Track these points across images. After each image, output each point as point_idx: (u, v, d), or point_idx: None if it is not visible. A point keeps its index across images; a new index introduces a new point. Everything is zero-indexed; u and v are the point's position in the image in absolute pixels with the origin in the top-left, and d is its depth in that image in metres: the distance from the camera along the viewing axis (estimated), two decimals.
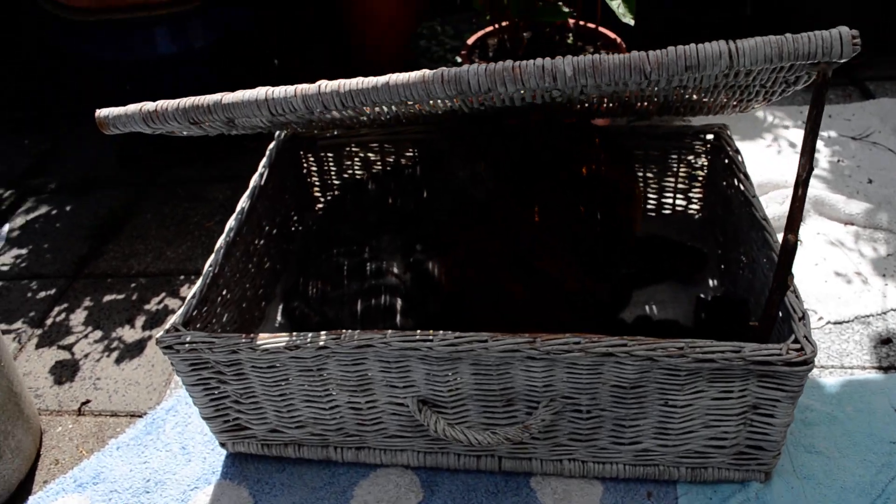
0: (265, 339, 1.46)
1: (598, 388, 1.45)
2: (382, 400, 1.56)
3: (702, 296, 1.88)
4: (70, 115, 3.64)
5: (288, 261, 2.16)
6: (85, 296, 2.44)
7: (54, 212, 2.94)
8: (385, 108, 1.44)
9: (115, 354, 2.19)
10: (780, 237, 1.46)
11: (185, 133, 1.52)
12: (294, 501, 1.65)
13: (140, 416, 1.99)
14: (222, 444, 1.74)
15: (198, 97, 1.27)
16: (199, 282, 1.64)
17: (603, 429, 1.53)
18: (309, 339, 1.45)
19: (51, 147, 3.46)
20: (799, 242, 1.31)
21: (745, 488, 1.57)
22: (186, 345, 1.48)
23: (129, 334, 2.25)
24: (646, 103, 1.76)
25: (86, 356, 2.19)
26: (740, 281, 1.84)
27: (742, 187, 1.79)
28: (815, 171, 2.55)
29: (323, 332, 1.45)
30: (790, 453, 1.64)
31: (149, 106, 1.29)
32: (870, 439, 1.66)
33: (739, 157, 1.89)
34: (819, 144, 2.68)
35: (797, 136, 2.74)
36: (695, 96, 1.63)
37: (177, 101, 1.27)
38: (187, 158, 3.12)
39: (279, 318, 1.99)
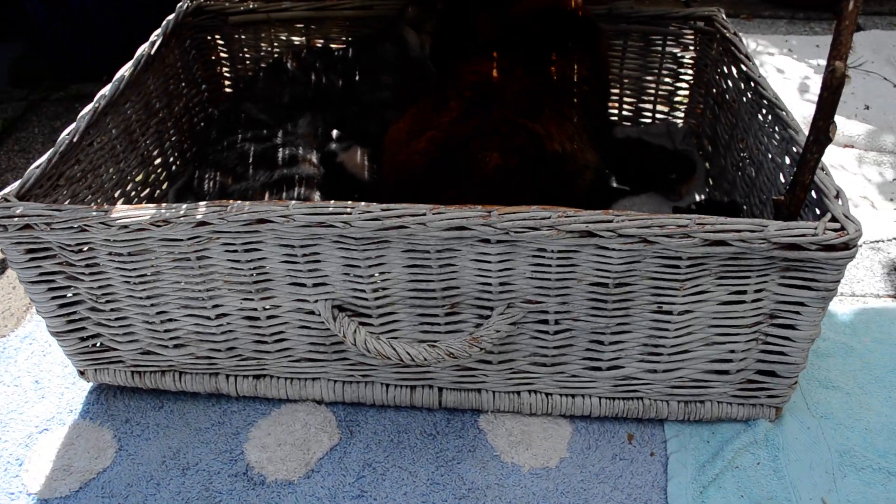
0: (124, 212, 1.08)
1: (571, 288, 1.11)
2: (286, 306, 1.18)
3: (680, 205, 1.54)
4: None
5: (187, 158, 1.75)
6: None
7: None
8: None
9: None
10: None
11: None
12: (170, 446, 1.26)
13: None
14: (81, 373, 1.35)
15: None
16: (48, 152, 1.24)
17: (574, 347, 1.19)
18: (183, 212, 1.06)
19: None
20: (847, 79, 0.96)
21: (752, 428, 1.25)
22: (16, 219, 1.08)
23: None
24: None
25: None
26: (738, 186, 1.50)
27: (745, 68, 1.46)
28: (808, 97, 2.25)
29: (202, 203, 1.07)
30: (802, 388, 1.33)
31: None
32: (894, 374, 1.34)
33: (738, 40, 1.55)
34: (808, 72, 2.39)
35: (783, 62, 2.45)
36: None
37: None
38: (91, 74, 2.69)
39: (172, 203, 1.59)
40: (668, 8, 1.70)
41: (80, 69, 2.67)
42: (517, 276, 1.11)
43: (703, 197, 1.67)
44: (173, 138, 1.69)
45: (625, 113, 1.87)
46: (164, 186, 1.65)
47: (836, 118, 1.30)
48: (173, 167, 1.69)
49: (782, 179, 1.28)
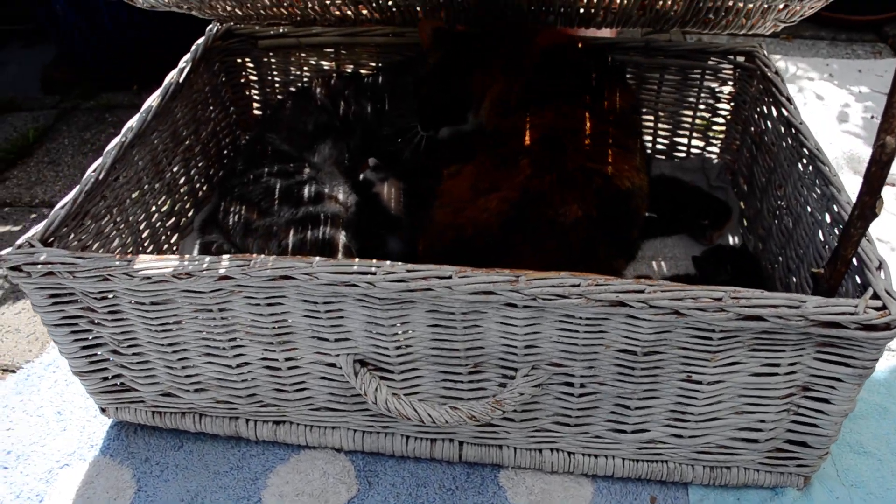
0: (147, 263, 1.06)
1: (599, 354, 1.08)
2: (307, 357, 1.17)
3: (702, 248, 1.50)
4: None
5: (214, 183, 1.74)
6: None
7: None
8: None
9: None
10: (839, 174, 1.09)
11: None
12: (189, 489, 1.26)
13: (13, 371, 1.58)
14: (102, 410, 1.34)
15: None
16: (73, 190, 1.23)
17: (600, 410, 1.16)
18: (206, 265, 1.05)
19: None
20: None
21: (779, 496, 1.22)
22: (40, 266, 1.07)
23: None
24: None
25: None
26: (774, 234, 1.45)
27: (785, 112, 1.41)
28: (847, 127, 2.18)
29: (226, 257, 1.05)
30: (832, 454, 1.28)
31: None
32: None
33: (780, 80, 1.50)
34: (849, 99, 2.32)
35: (824, 88, 2.38)
36: None
37: None
38: (122, 83, 2.68)
39: (194, 253, 1.57)
40: (707, 42, 1.65)
41: (111, 78, 2.67)
42: (543, 340, 1.08)
43: (737, 240, 1.63)
44: (200, 164, 1.67)
45: (659, 146, 1.83)
46: (190, 214, 1.64)
47: None
48: (199, 193, 1.68)
49: (821, 238, 1.24)
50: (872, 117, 2.24)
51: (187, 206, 1.63)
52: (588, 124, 1.29)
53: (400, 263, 1.03)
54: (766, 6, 1.38)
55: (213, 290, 1.08)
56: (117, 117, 2.50)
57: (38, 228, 1.15)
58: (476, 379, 1.15)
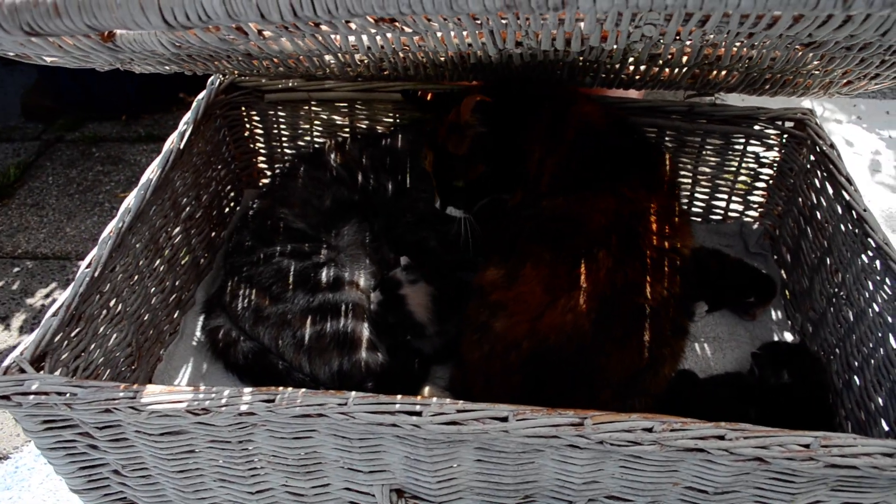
0: (156, 396, 0.93)
1: (666, 491, 0.96)
2: (337, 485, 1.04)
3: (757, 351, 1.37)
4: None
5: (216, 252, 1.60)
6: None
7: None
8: (366, 40, 0.91)
9: None
10: None
11: (47, 60, 0.97)
12: None
13: (1, 460, 1.45)
14: None
15: None
16: (66, 293, 1.09)
17: None
18: (225, 400, 0.92)
19: None
20: None
21: None
22: (32, 397, 0.94)
23: (2, 338, 1.69)
24: (728, 72, 1.26)
25: None
26: (829, 322, 1.34)
27: (846, 196, 1.30)
28: (881, 178, 2.08)
29: (247, 391, 0.92)
30: None
31: None
32: None
33: (836, 154, 1.39)
34: (880, 146, 2.22)
35: (853, 133, 2.28)
36: (814, 62, 1.14)
37: None
38: (109, 112, 2.53)
39: (198, 333, 1.44)
40: (755, 108, 1.53)
41: (97, 107, 2.51)
42: (605, 476, 0.97)
43: (780, 314, 1.52)
44: (202, 233, 1.54)
45: (695, 209, 1.71)
46: (192, 287, 1.50)
47: None
48: (201, 261, 1.54)
49: (893, 343, 1.14)
50: None
51: (189, 279, 1.49)
52: (650, 203, 1.18)
53: (448, 401, 0.91)
54: (828, 81, 1.28)
55: (233, 424, 0.95)
56: (104, 152, 2.34)
57: (27, 344, 1.02)
58: None
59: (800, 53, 1.12)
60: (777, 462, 0.88)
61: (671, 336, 1.16)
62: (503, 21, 0.81)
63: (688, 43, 1.05)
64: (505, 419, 0.89)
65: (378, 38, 0.91)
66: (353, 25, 0.82)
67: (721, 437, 0.88)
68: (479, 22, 0.82)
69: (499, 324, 1.13)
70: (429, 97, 1.43)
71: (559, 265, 1.12)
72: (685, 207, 1.70)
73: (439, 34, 0.88)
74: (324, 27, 0.80)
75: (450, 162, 1.30)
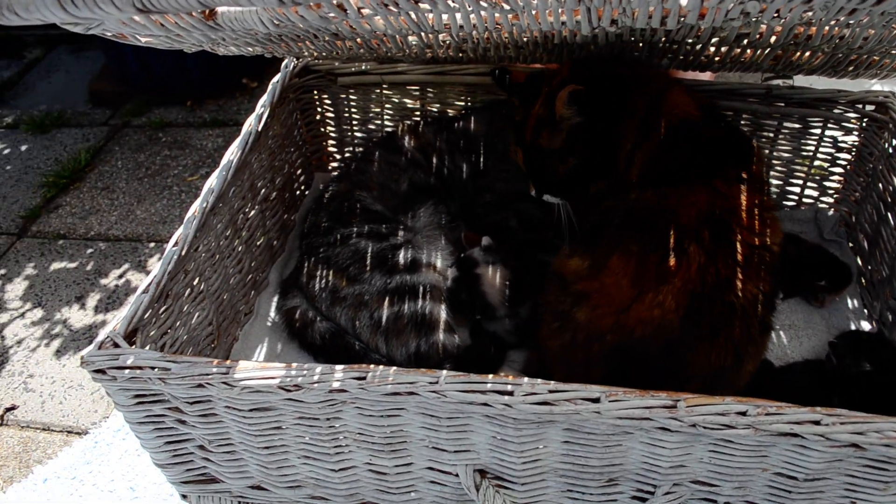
0: (249, 372, 0.94)
1: (754, 476, 0.95)
2: (420, 464, 1.05)
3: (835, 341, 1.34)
4: (44, 39, 3.07)
5: (288, 234, 1.62)
6: (28, 261, 1.91)
7: (6, 151, 2.39)
8: (459, 18, 0.90)
9: (56, 343, 1.67)
10: None
11: (142, 40, 0.98)
12: None
13: (79, 435, 1.49)
14: (184, 497, 1.23)
15: None
16: (155, 270, 1.12)
17: None
18: (317, 377, 0.93)
19: (15, 74, 2.90)
20: None
21: None
22: (127, 371, 0.96)
23: (78, 317, 1.73)
24: (813, 53, 1.23)
25: (19, 343, 1.68)
26: None
27: None
28: None
29: (339, 368, 0.93)
30: None
31: None
32: None
33: None
34: None
35: None
36: None
37: None
38: (175, 97, 2.56)
39: (272, 313, 1.46)
40: (834, 90, 1.49)
41: (163, 92, 2.55)
42: (692, 460, 0.96)
43: (856, 303, 1.49)
44: (276, 215, 1.55)
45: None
46: (266, 270, 1.52)
47: None
48: (274, 243, 1.56)
49: None
50: None
51: (263, 261, 1.51)
52: (743, 198, 1.16)
53: (540, 381, 0.91)
54: None
55: (323, 401, 0.96)
56: (171, 137, 2.38)
57: (119, 319, 1.04)
58: (608, 492, 1.03)
59: (895, 32, 1.09)
60: (874, 449, 0.86)
61: (758, 335, 1.14)
62: None
63: (782, 21, 1.02)
64: (597, 400, 0.89)
65: (473, 16, 0.91)
66: (452, 3, 0.82)
67: (817, 423, 0.87)
68: None
69: (581, 314, 1.11)
70: (521, 79, 1.38)
71: (648, 259, 1.10)
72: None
73: (535, 11, 0.87)
74: (424, 4, 0.79)
75: (541, 156, 1.28)
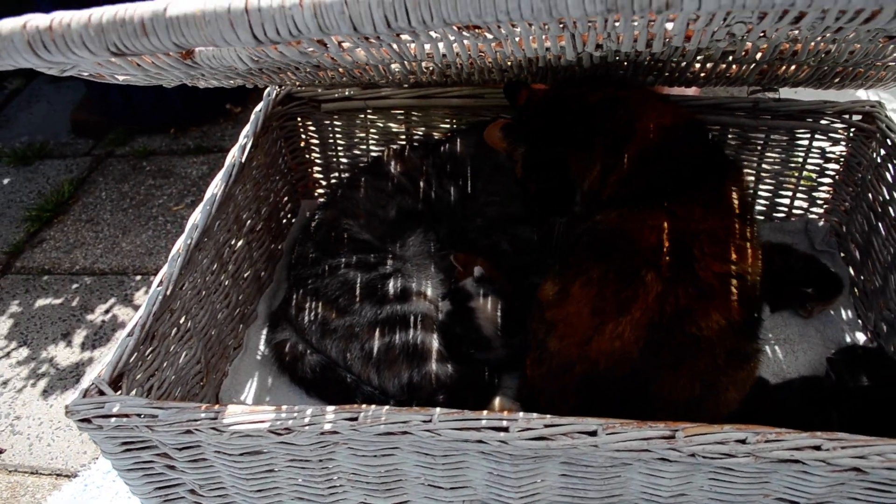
0: (238, 416, 0.92)
1: (755, 502, 0.93)
2: (416, 502, 1.04)
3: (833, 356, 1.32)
4: (25, 69, 3.03)
5: (276, 265, 1.60)
6: (12, 297, 1.88)
7: None
8: (441, 47, 0.89)
9: (42, 383, 1.64)
10: None
11: (119, 78, 0.97)
12: None
13: (69, 478, 1.46)
14: None
15: (125, 6, 0.71)
16: (140, 311, 1.09)
17: None
18: (308, 419, 0.91)
19: None
20: None
21: None
22: (113, 419, 0.93)
23: (65, 355, 1.70)
24: (799, 67, 1.23)
25: (4, 384, 1.64)
26: None
27: None
28: None
29: (331, 409, 0.91)
30: None
31: (37, 21, 0.72)
32: None
33: None
34: None
35: None
36: (894, 53, 1.10)
37: (88, 12, 0.70)
38: (158, 126, 2.54)
39: (261, 346, 1.43)
40: (821, 101, 1.49)
41: (145, 121, 2.53)
42: (693, 489, 0.94)
43: (849, 313, 1.48)
44: (263, 246, 1.53)
45: (759, 207, 1.67)
46: (254, 302, 1.50)
47: None
48: (262, 274, 1.54)
49: None
50: None
51: (251, 293, 1.48)
52: (710, 223, 1.11)
53: (535, 416, 0.89)
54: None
55: (315, 443, 0.94)
56: (155, 166, 2.36)
57: (105, 365, 1.02)
58: None
59: (881, 45, 1.08)
60: (876, 472, 0.85)
61: (726, 366, 1.07)
62: (590, 23, 0.79)
63: (768, 39, 1.01)
64: (594, 433, 0.87)
65: (455, 45, 0.89)
66: (434, 34, 0.81)
67: (818, 448, 0.85)
68: (563, 26, 0.79)
69: (553, 343, 1.09)
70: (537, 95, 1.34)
71: (607, 286, 1.07)
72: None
73: (518, 39, 0.85)
74: (405, 36, 0.78)
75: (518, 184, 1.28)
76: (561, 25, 0.78)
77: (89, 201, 2.22)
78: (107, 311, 1.81)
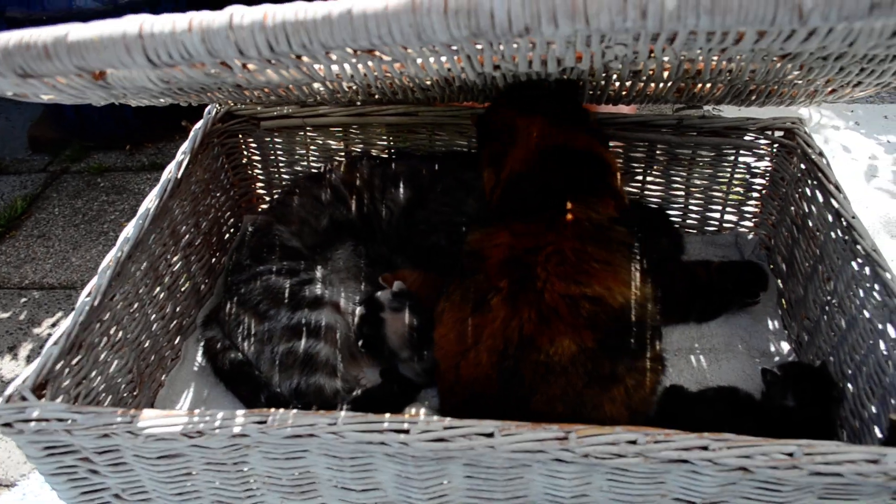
0: (152, 420, 0.95)
1: (655, 503, 0.97)
2: None
3: (772, 369, 1.35)
4: None
5: (217, 278, 1.63)
6: None
7: None
8: (348, 69, 0.93)
9: None
10: None
11: (44, 98, 1.00)
12: None
13: (7, 487, 1.47)
14: None
15: (30, 31, 0.75)
16: (66, 321, 1.12)
17: None
18: (218, 424, 0.94)
19: None
20: None
21: None
22: (33, 423, 0.96)
23: (10, 368, 1.72)
24: (713, 85, 1.28)
25: None
26: (822, 330, 1.35)
27: (835, 204, 1.31)
28: (879, 184, 2.09)
29: (240, 413, 0.95)
30: None
31: None
32: None
33: (825, 162, 1.40)
34: (878, 150, 2.23)
35: (850, 139, 2.29)
36: (794, 72, 1.16)
37: None
38: (113, 142, 2.57)
39: (199, 358, 1.46)
40: (743, 118, 1.55)
41: (102, 137, 2.56)
42: (594, 489, 0.98)
43: (776, 324, 1.53)
44: (202, 259, 1.56)
45: (690, 221, 1.72)
46: (192, 313, 1.53)
47: None
48: (201, 287, 1.57)
49: (883, 350, 1.14)
50: None
51: (189, 305, 1.51)
52: (563, 245, 1.10)
53: (436, 419, 0.93)
54: (812, 90, 1.29)
55: (227, 446, 0.97)
56: (109, 182, 2.39)
57: (28, 373, 1.04)
58: None
59: (778, 65, 1.13)
60: (761, 471, 0.89)
61: (587, 388, 1.06)
62: (477, 47, 0.84)
63: (665, 59, 1.07)
64: (491, 435, 0.91)
65: (360, 66, 0.94)
66: (333, 56, 0.85)
67: (704, 448, 0.89)
68: (454, 48, 0.84)
69: (441, 363, 1.14)
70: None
71: (464, 310, 1.09)
72: (677, 220, 1.72)
73: (419, 61, 0.90)
74: (305, 58, 0.82)
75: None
76: (452, 48, 0.83)
77: (42, 217, 2.25)
78: (53, 325, 1.83)
